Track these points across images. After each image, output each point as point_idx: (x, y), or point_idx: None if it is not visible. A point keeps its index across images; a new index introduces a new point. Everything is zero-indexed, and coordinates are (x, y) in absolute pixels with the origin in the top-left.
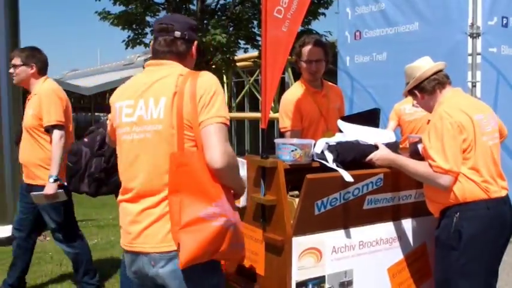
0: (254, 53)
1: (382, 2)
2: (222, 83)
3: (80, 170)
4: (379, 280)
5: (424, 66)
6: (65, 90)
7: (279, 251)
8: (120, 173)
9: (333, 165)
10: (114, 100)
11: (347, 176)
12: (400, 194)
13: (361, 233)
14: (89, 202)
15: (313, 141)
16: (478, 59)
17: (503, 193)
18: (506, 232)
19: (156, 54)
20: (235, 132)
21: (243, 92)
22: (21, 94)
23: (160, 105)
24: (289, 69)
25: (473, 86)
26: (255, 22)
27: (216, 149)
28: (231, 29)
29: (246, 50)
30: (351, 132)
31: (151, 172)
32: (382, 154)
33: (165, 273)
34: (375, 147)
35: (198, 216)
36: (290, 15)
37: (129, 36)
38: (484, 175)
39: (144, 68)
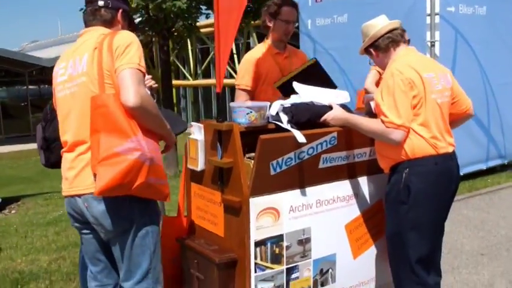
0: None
1: None
2: (187, 50)
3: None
4: (337, 236)
5: (378, 24)
6: (25, 62)
7: (237, 212)
8: (59, 128)
9: (287, 126)
10: (54, 68)
11: (300, 137)
12: (355, 152)
13: (318, 191)
14: (56, 175)
15: (268, 104)
16: (437, 18)
17: (450, 149)
18: (452, 186)
19: (85, 23)
20: (202, 99)
21: (208, 59)
22: None
23: (83, 60)
24: (254, 34)
25: (432, 45)
26: None
27: (130, 89)
28: None
29: (207, 16)
30: (306, 94)
31: (80, 121)
32: (336, 114)
33: (98, 213)
34: (330, 108)
35: (114, 151)
36: None
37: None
38: (433, 131)
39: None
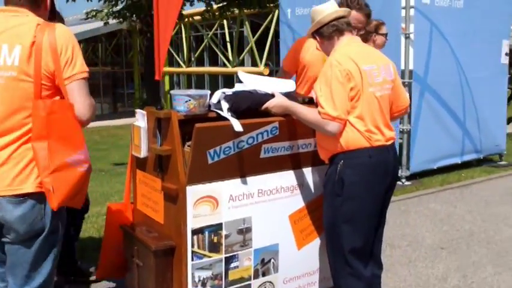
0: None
1: None
2: (181, 38)
3: None
4: (280, 226)
5: (325, 10)
6: None
7: (174, 200)
8: None
9: (227, 115)
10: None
11: (237, 125)
12: (299, 142)
13: (260, 181)
14: None
15: (208, 92)
16: (412, 11)
17: (387, 142)
18: (387, 180)
19: (9, 2)
20: (195, 86)
21: (201, 46)
22: None
23: (15, 52)
24: (247, 23)
25: (407, 37)
26: None
27: (85, 103)
28: None
29: (192, 3)
30: (250, 82)
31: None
32: (277, 101)
33: (13, 218)
34: (272, 96)
35: (65, 161)
36: None
37: None
38: (368, 124)
39: None
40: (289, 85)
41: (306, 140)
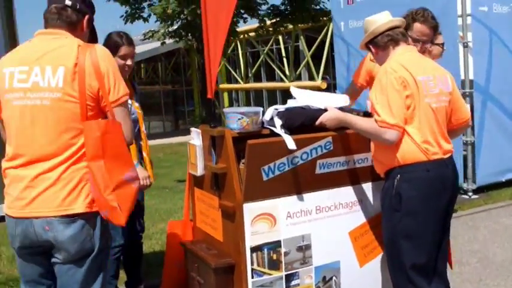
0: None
1: None
2: (238, 55)
3: None
4: (340, 243)
5: (379, 20)
6: None
7: (232, 217)
8: (9, 139)
9: (280, 131)
10: (1, 66)
11: (290, 143)
12: (355, 157)
13: (317, 198)
14: None
15: (261, 109)
16: (469, 19)
17: (445, 155)
18: (447, 195)
19: (47, 22)
20: (254, 102)
21: (258, 62)
22: None
23: (58, 74)
24: (302, 37)
25: (466, 46)
26: None
27: (126, 125)
28: None
29: (245, 20)
30: (303, 98)
31: (46, 138)
32: (331, 115)
33: (65, 238)
34: (325, 111)
35: (122, 179)
36: None
37: (126, 11)
38: (425, 136)
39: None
40: (342, 100)
41: (362, 155)
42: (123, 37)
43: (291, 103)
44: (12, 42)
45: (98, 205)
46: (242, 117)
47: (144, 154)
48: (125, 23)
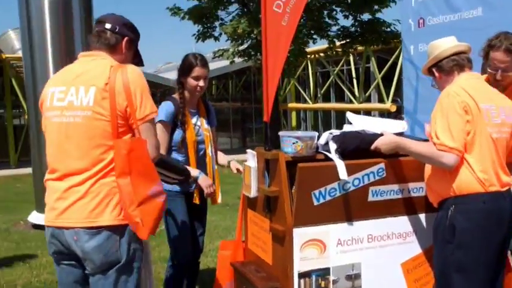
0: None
1: None
2: (307, 74)
3: None
4: (391, 275)
5: (444, 44)
6: (156, 83)
7: (281, 241)
8: (48, 153)
9: (334, 157)
10: (48, 86)
11: (341, 172)
12: (409, 186)
13: (370, 226)
14: None
15: (316, 134)
16: None
17: (503, 188)
18: (503, 229)
19: (88, 45)
20: (322, 122)
21: (328, 82)
22: None
23: (90, 93)
24: (373, 59)
25: None
26: (325, 12)
27: (152, 143)
28: (301, 20)
29: (314, 41)
30: (359, 123)
31: (78, 153)
32: (385, 139)
33: (89, 248)
34: (381, 136)
35: (147, 195)
36: (289, 9)
37: (198, 30)
38: (484, 167)
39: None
40: (399, 126)
41: (417, 184)
42: (197, 58)
43: (346, 128)
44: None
45: (125, 219)
46: (297, 142)
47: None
48: (197, 41)
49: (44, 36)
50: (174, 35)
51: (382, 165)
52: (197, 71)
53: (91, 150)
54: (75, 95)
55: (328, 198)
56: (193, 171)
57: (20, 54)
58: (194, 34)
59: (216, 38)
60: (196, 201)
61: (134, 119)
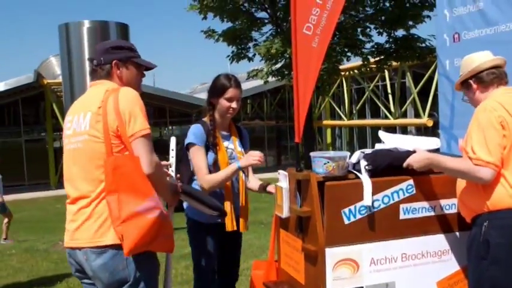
0: (359, 61)
1: (481, 0)
2: (342, 91)
3: None
4: None
5: (482, 58)
6: (191, 103)
7: (314, 261)
8: (64, 179)
9: (364, 176)
10: (65, 118)
11: (366, 195)
12: (441, 203)
13: (403, 245)
14: None
15: (348, 154)
16: None
17: None
18: None
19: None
20: (357, 139)
21: (363, 98)
22: None
23: (86, 118)
24: (409, 74)
25: None
26: (359, 30)
27: (146, 159)
28: (335, 38)
29: (348, 58)
30: (391, 142)
31: (82, 178)
32: (418, 156)
33: (96, 266)
34: (414, 153)
35: (135, 211)
36: (319, 31)
37: (233, 51)
38: None
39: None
40: (433, 143)
41: (449, 201)
42: (231, 79)
43: (378, 147)
44: None
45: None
46: (328, 162)
47: (241, 202)
48: (231, 62)
49: (82, 62)
50: (209, 56)
51: (411, 181)
52: (230, 92)
53: (93, 172)
54: (77, 122)
55: (358, 216)
56: (233, 165)
57: (60, 79)
58: (228, 55)
59: (250, 59)
60: (229, 228)
61: (125, 137)
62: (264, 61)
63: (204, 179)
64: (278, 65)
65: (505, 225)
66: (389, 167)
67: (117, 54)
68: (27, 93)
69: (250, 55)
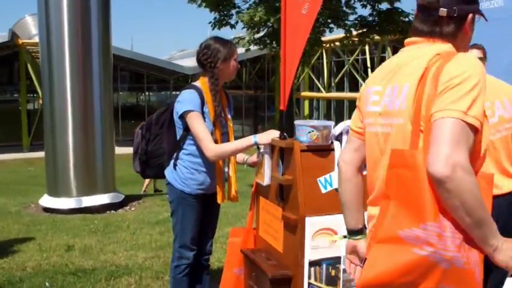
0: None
1: None
2: (322, 64)
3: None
4: None
5: None
6: (170, 70)
7: (293, 230)
8: (367, 170)
9: (339, 149)
10: (365, 86)
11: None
12: None
13: None
14: None
15: (332, 123)
16: None
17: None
18: None
19: (415, 33)
20: (335, 112)
21: (342, 72)
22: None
23: (403, 92)
24: (389, 48)
25: None
26: (343, 1)
27: (441, 150)
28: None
29: (331, 30)
30: None
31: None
32: None
33: None
34: None
35: (396, 234)
36: None
37: (215, 18)
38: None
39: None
40: None
41: None
42: (229, 41)
43: None
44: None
45: None
46: (312, 131)
47: (231, 172)
48: (213, 29)
49: (61, 21)
50: (189, 22)
51: None
52: (236, 52)
53: None
54: (390, 97)
55: (335, 185)
56: (249, 139)
57: (36, 39)
58: (210, 22)
59: (233, 26)
60: (220, 200)
61: (427, 113)
62: (247, 29)
63: (212, 148)
64: (261, 34)
65: None
66: None
67: (469, 6)
68: (1, 52)
69: (232, 22)
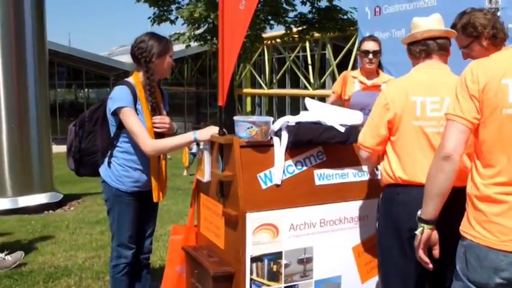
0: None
1: None
2: (263, 60)
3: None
4: (343, 258)
5: (422, 26)
6: (110, 66)
7: (234, 226)
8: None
9: (278, 147)
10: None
11: (277, 163)
12: (353, 170)
13: (322, 211)
14: None
15: (271, 119)
16: None
17: None
18: None
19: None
20: (277, 108)
21: (284, 68)
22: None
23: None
24: (329, 46)
25: None
26: None
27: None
28: (259, 5)
29: (271, 26)
30: (317, 112)
31: None
32: None
33: None
34: (336, 130)
35: None
36: None
37: (154, 13)
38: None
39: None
40: (356, 117)
41: (360, 168)
42: (166, 38)
43: (303, 115)
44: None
45: None
46: (251, 127)
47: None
48: (152, 25)
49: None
50: (129, 18)
51: (321, 148)
52: (172, 49)
53: None
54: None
55: (275, 181)
56: (188, 135)
57: None
58: (150, 17)
59: (172, 22)
60: (156, 199)
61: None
62: (187, 25)
63: (149, 143)
64: (201, 30)
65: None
66: (309, 143)
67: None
68: None
69: (172, 18)
